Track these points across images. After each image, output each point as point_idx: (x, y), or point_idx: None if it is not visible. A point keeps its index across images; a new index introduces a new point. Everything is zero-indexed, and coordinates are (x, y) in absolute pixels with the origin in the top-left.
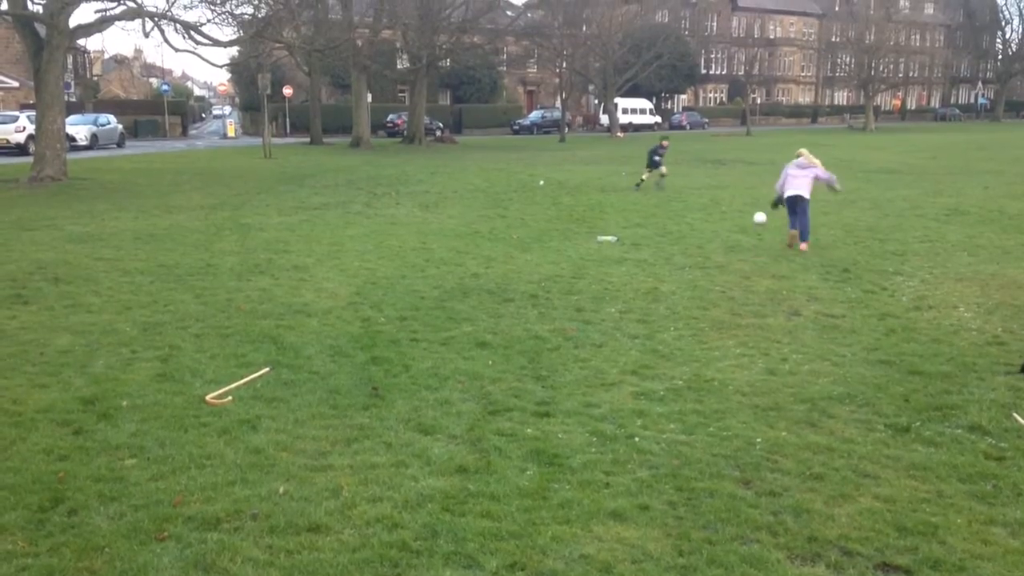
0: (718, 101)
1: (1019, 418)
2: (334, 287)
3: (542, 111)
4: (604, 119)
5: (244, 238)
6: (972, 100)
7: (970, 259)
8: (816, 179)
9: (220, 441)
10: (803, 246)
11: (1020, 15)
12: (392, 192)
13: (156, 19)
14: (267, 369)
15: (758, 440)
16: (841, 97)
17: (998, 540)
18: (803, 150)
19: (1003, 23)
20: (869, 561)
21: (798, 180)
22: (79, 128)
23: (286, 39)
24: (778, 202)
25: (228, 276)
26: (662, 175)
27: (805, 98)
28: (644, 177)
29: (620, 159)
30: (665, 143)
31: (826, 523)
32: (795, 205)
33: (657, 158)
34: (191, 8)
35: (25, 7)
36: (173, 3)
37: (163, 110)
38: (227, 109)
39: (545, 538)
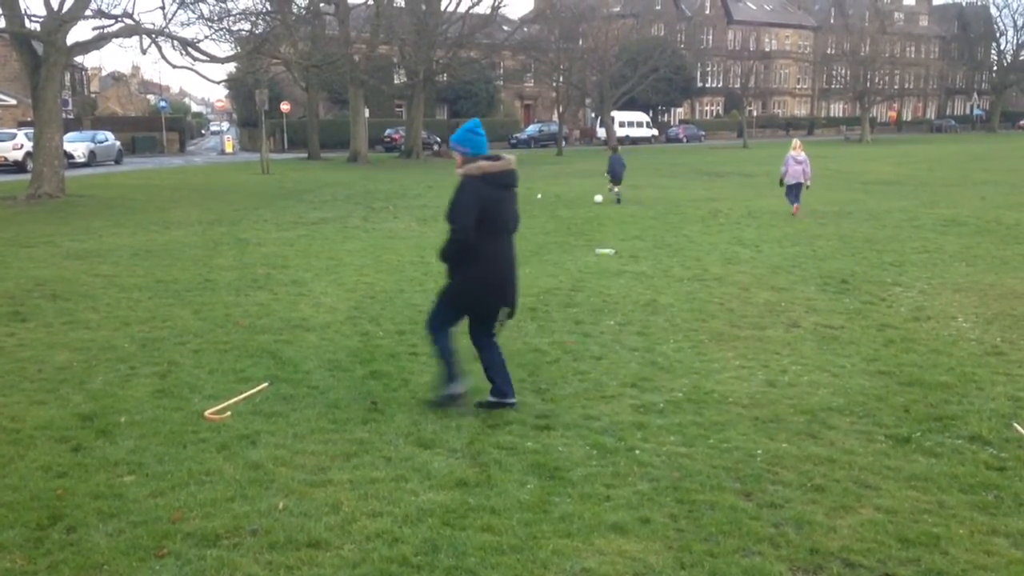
0: (715, 114)
1: (1019, 428)
2: (332, 301)
3: (539, 125)
4: (601, 132)
5: (242, 253)
6: (968, 111)
7: (968, 269)
8: (804, 170)
9: (219, 457)
10: (796, 208)
11: (1014, 26)
12: (390, 206)
13: (153, 36)
14: (266, 384)
15: (758, 452)
16: (837, 109)
17: (1000, 551)
18: (797, 141)
19: (998, 34)
20: (871, 572)
21: (797, 170)
22: (77, 145)
23: (283, 55)
24: (783, 182)
25: (226, 291)
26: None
27: (801, 110)
28: None
29: None
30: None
31: (828, 535)
32: (795, 188)
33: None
34: (188, 25)
35: (22, 25)
36: (170, 20)
37: (161, 126)
38: (225, 125)
39: (546, 552)
